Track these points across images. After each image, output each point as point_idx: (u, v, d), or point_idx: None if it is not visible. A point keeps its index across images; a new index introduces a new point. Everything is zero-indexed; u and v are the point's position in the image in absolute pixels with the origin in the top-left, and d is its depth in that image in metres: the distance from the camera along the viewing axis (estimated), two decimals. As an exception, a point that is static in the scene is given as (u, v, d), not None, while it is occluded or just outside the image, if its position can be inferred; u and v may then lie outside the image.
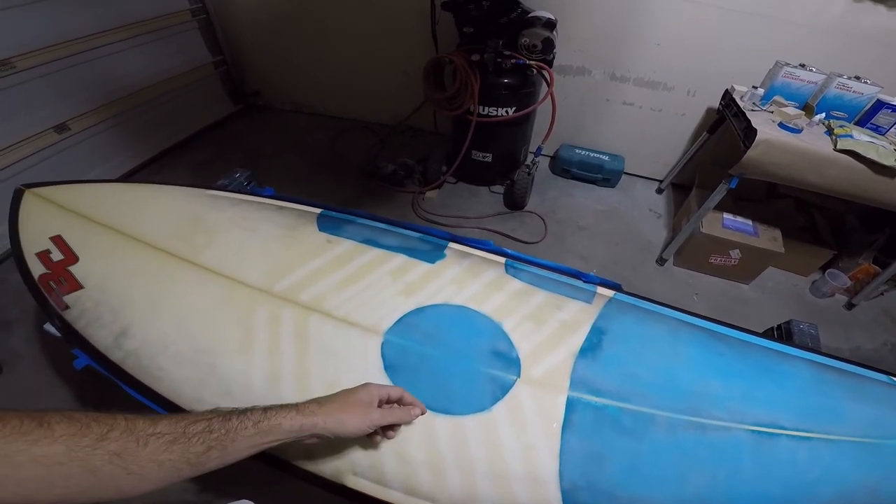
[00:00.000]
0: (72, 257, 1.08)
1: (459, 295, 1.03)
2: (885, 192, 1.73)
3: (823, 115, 1.89)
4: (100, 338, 0.99)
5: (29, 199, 1.18)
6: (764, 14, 2.15)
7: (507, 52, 2.17)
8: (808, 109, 1.97)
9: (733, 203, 2.26)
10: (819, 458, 0.80)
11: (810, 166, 1.75)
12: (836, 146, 1.70)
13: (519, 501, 0.78)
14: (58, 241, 1.10)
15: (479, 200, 2.74)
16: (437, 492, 0.80)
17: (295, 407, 0.66)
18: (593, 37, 2.51)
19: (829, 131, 1.80)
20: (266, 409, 0.64)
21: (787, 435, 0.81)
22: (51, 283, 1.05)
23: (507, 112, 2.31)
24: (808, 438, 0.81)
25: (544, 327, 0.96)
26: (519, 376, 0.87)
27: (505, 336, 0.94)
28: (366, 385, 0.74)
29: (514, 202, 2.61)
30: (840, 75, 1.86)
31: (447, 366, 0.89)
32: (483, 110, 2.30)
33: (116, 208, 1.17)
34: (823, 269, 2.27)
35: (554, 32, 2.14)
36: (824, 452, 0.80)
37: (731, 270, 2.22)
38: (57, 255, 1.08)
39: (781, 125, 1.80)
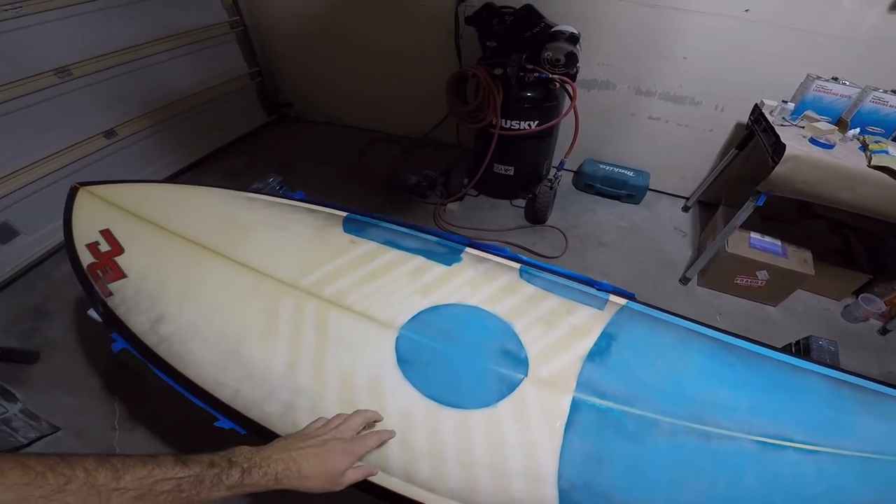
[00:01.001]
0: (118, 249, 1.17)
1: (473, 296, 1.06)
2: (922, 211, 1.67)
3: (858, 130, 1.82)
4: (137, 323, 1.06)
5: (82, 196, 1.28)
6: (795, 27, 2.11)
7: (529, 66, 2.21)
8: (841, 124, 1.91)
9: (762, 223, 2.22)
10: (824, 473, 0.79)
11: (842, 183, 1.70)
12: (870, 162, 1.65)
13: (516, 497, 0.80)
14: (106, 233, 1.20)
15: (500, 213, 2.77)
16: (436, 482, 0.82)
17: (273, 472, 0.68)
18: (618, 51, 2.52)
19: (864, 147, 1.75)
20: (244, 470, 0.65)
21: (794, 448, 0.80)
22: (97, 271, 1.14)
23: (529, 126, 2.34)
24: (816, 452, 0.80)
25: (554, 330, 0.99)
26: (526, 375, 0.90)
27: (515, 337, 0.97)
28: (345, 452, 0.76)
29: (536, 216, 2.63)
30: (875, 89, 1.80)
31: (457, 361, 0.93)
32: (505, 123, 2.34)
33: (160, 206, 1.26)
34: (857, 293, 2.19)
35: (577, 46, 2.17)
36: (831, 467, 0.79)
37: (757, 292, 2.17)
38: (104, 247, 1.17)
39: (812, 140, 1.77)
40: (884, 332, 2.11)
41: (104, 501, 0.51)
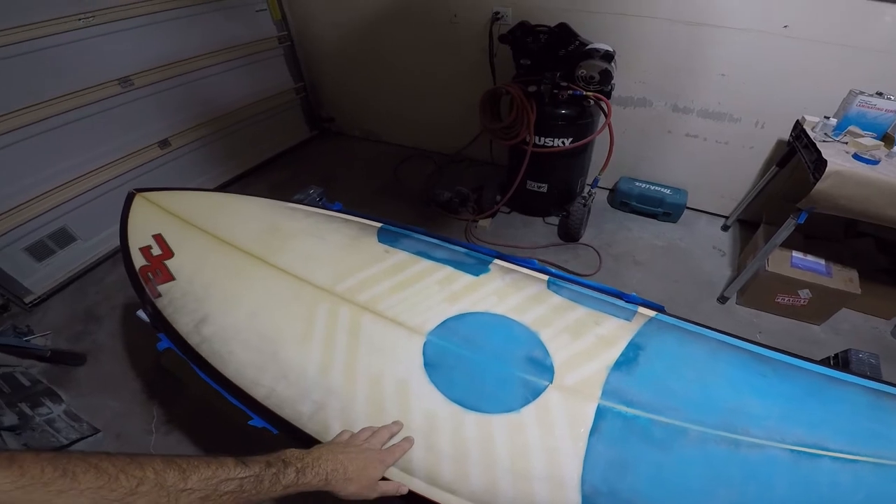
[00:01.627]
0: (168, 253, 1.26)
1: (500, 305, 1.09)
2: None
3: None
4: (182, 324, 1.14)
5: (138, 202, 1.40)
6: (836, 42, 2.06)
7: (563, 84, 2.22)
8: (887, 140, 1.85)
9: (805, 242, 2.14)
10: (864, 482, 0.76)
11: (889, 200, 1.64)
12: None
13: (538, 501, 0.80)
14: (158, 238, 1.30)
15: (532, 231, 2.78)
16: (459, 484, 0.84)
17: (324, 472, 0.71)
18: (654, 68, 2.51)
19: None
20: (298, 470, 0.68)
21: (830, 457, 0.78)
22: (149, 273, 1.23)
23: (563, 143, 2.35)
24: (854, 461, 0.78)
25: (581, 340, 1.00)
26: (551, 382, 0.91)
27: (541, 345, 0.99)
28: (380, 461, 0.81)
29: (569, 234, 2.62)
30: None
31: (482, 367, 0.95)
32: (539, 140, 2.35)
33: (209, 213, 1.36)
34: (909, 312, 2.07)
35: (612, 64, 2.17)
36: (870, 477, 0.76)
37: (799, 310, 2.09)
38: (156, 251, 1.27)
39: (856, 156, 1.71)
40: (939, 353, 1.97)
41: (173, 502, 0.52)
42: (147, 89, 2.53)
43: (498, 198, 2.69)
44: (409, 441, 0.87)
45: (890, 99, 1.83)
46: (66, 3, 2.10)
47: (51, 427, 1.61)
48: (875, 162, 1.68)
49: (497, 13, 2.61)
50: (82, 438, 1.66)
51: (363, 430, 0.87)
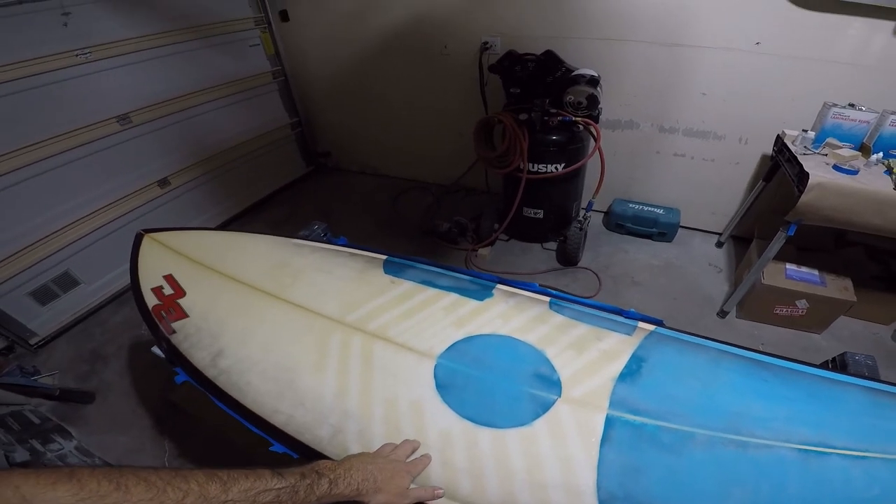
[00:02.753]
0: (180, 292, 1.30)
1: (505, 327, 1.13)
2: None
3: (881, 154, 1.82)
4: (199, 358, 1.17)
5: (146, 243, 1.45)
6: (805, 56, 2.15)
7: (553, 110, 2.30)
8: (864, 150, 1.91)
9: (798, 254, 2.20)
10: (877, 477, 0.78)
11: (871, 208, 1.70)
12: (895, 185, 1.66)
13: (557, 508, 0.83)
14: (169, 278, 1.34)
15: (531, 257, 2.83)
16: (477, 496, 0.86)
17: (356, 483, 0.75)
18: (638, 90, 2.60)
19: (889, 170, 1.75)
20: (331, 481, 0.71)
21: (838, 454, 0.81)
22: (162, 312, 1.27)
23: (556, 168, 2.41)
24: (864, 458, 0.80)
25: (585, 355, 1.04)
26: (560, 396, 0.94)
27: (547, 362, 1.02)
28: (407, 472, 0.84)
29: (567, 258, 2.66)
30: (894, 112, 1.80)
31: (492, 385, 0.99)
32: (532, 167, 2.42)
33: (216, 252, 1.41)
34: (906, 316, 2.11)
35: (598, 89, 2.25)
36: (883, 472, 0.79)
37: (798, 320, 2.12)
38: (168, 290, 1.31)
39: (836, 167, 1.78)
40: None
41: None
42: (145, 127, 2.54)
43: (496, 226, 2.75)
44: (428, 457, 0.90)
45: (861, 110, 1.91)
46: (64, 38, 2.12)
47: (63, 462, 1.62)
48: (854, 172, 1.75)
49: (486, 43, 2.72)
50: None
51: (385, 445, 0.90)
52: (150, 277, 1.36)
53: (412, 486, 0.86)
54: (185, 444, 1.79)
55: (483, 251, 2.81)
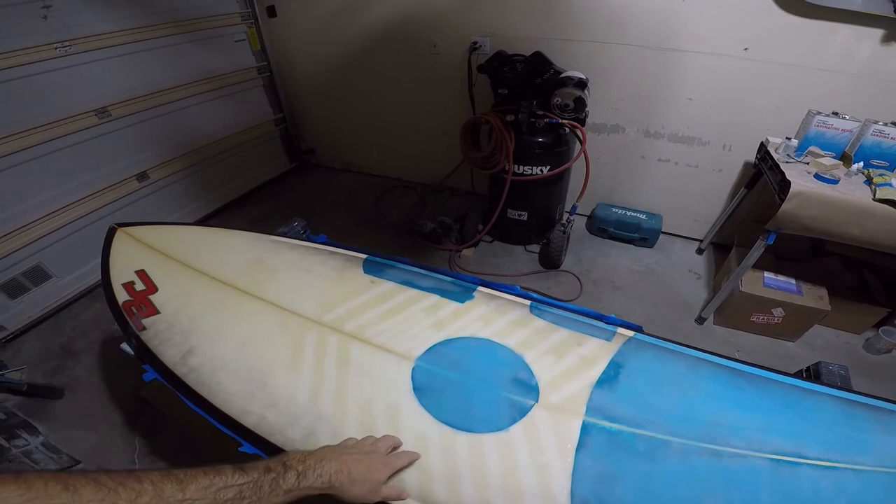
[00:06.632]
0: (152, 288, 1.26)
1: (485, 330, 1.12)
2: (929, 243, 1.65)
3: (861, 164, 1.82)
4: (169, 355, 1.13)
5: (119, 237, 1.40)
6: (792, 63, 2.15)
7: (540, 112, 2.29)
8: (845, 159, 1.92)
9: (775, 262, 2.23)
10: (844, 488, 0.79)
11: (850, 218, 1.70)
12: (875, 196, 1.66)
13: (531, 517, 0.82)
14: (141, 273, 1.30)
15: (514, 259, 2.83)
16: (452, 503, 0.85)
17: (327, 474, 0.72)
18: (625, 94, 2.59)
19: (869, 181, 1.75)
20: (299, 473, 0.68)
21: (809, 464, 0.82)
22: (132, 308, 1.23)
23: (541, 171, 2.41)
24: (833, 468, 0.81)
25: (564, 360, 1.03)
26: (537, 401, 0.94)
27: (526, 366, 1.02)
28: (385, 465, 0.82)
29: (550, 261, 2.66)
30: (875, 122, 1.81)
31: (470, 389, 0.97)
32: (518, 169, 2.41)
33: (191, 248, 1.37)
34: (878, 326, 2.16)
35: (585, 91, 2.24)
36: (851, 482, 0.80)
37: (774, 328, 2.16)
38: (140, 286, 1.27)
39: (817, 176, 1.77)
40: (908, 362, 2.05)
41: None
42: (124, 120, 2.49)
43: (480, 227, 2.74)
44: (415, 454, 0.87)
45: (845, 118, 1.91)
46: (44, 31, 2.07)
47: (28, 458, 1.56)
48: (835, 181, 1.74)
49: (475, 43, 2.71)
50: (62, 470, 1.61)
51: (366, 437, 0.87)
52: (122, 272, 1.31)
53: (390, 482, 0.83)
54: (156, 441, 1.74)
55: (466, 252, 2.80)
